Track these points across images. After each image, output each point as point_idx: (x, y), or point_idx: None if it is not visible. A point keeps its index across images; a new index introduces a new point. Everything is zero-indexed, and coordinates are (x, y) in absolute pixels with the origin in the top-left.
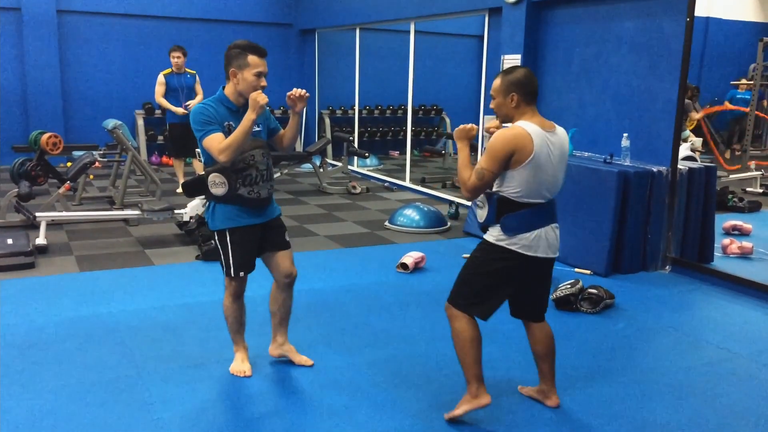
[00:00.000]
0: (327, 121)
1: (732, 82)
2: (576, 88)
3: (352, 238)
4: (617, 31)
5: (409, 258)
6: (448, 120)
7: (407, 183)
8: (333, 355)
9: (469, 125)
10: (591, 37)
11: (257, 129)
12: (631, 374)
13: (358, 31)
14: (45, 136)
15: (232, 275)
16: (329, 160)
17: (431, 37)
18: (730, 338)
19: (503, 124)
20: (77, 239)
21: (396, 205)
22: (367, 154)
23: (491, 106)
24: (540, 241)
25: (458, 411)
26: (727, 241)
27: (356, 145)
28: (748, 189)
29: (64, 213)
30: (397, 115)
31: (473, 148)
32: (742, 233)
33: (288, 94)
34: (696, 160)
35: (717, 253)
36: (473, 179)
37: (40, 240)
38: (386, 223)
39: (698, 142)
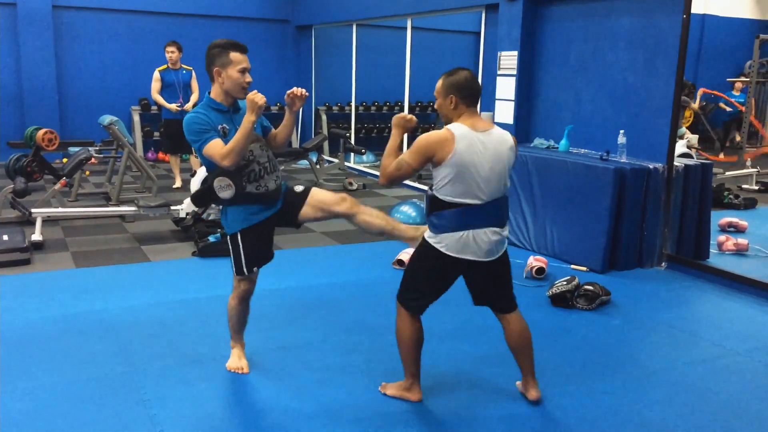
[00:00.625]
0: (324, 117)
1: (729, 79)
2: (573, 84)
3: (349, 235)
4: (614, 27)
5: (406, 254)
6: None
7: None
8: (329, 351)
9: (410, 115)
10: (588, 34)
11: None
12: (627, 371)
13: (354, 27)
14: (41, 132)
15: (245, 273)
16: (326, 157)
17: (428, 34)
18: (725, 335)
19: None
20: (73, 235)
21: (393, 201)
22: (363, 151)
23: (435, 106)
24: (468, 243)
25: (389, 391)
26: (722, 238)
27: (353, 141)
28: (744, 186)
29: (60, 209)
30: (394, 111)
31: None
32: (738, 230)
33: (288, 92)
34: (692, 157)
35: (713, 250)
36: (392, 167)
37: (36, 236)
38: None
39: (694, 139)
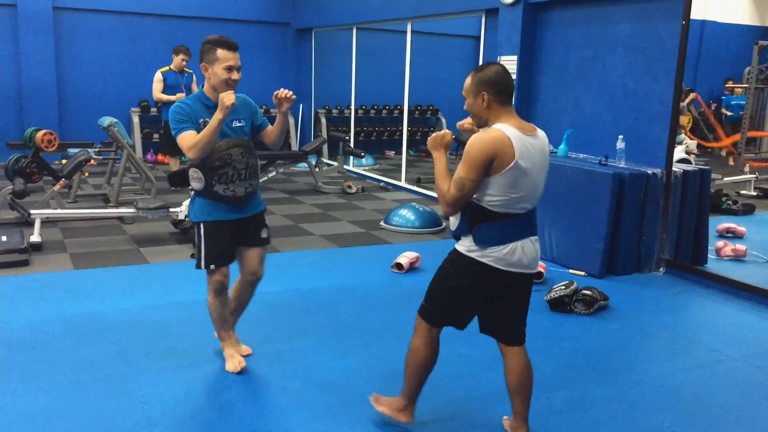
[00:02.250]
0: (323, 120)
1: (727, 85)
2: (572, 89)
3: (348, 238)
4: (613, 33)
5: (404, 258)
6: (444, 120)
7: (403, 183)
8: (327, 354)
9: (443, 132)
10: (587, 39)
11: (239, 125)
12: (625, 375)
13: (354, 31)
14: (40, 133)
15: (203, 267)
16: (325, 160)
17: (428, 38)
18: (723, 340)
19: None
20: (72, 237)
21: (391, 205)
22: (362, 154)
23: (465, 108)
24: (515, 255)
25: (380, 407)
26: (720, 243)
27: (352, 144)
28: (742, 192)
29: (59, 210)
30: (393, 115)
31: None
32: (736, 236)
33: (275, 93)
34: (690, 163)
35: (711, 256)
36: (452, 191)
37: (35, 237)
38: (381, 223)
39: (693, 144)
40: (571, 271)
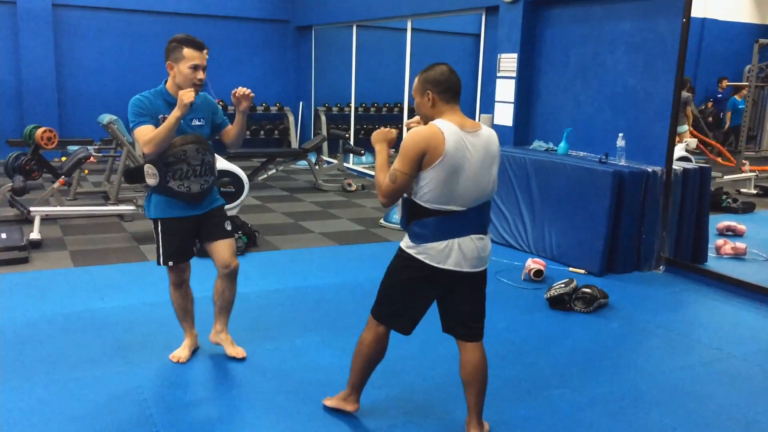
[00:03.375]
0: (323, 118)
1: (729, 83)
2: (572, 87)
3: (347, 236)
4: (614, 31)
5: None
6: None
7: None
8: (326, 352)
9: (388, 129)
10: (588, 37)
11: (198, 123)
12: (624, 374)
13: (354, 29)
14: (40, 131)
15: (161, 264)
16: (325, 158)
17: (428, 35)
18: (722, 339)
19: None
20: (71, 234)
21: None
22: (362, 152)
23: (414, 106)
24: (452, 253)
25: (329, 402)
26: (720, 241)
27: (352, 142)
28: (742, 190)
29: (59, 208)
30: (393, 112)
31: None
32: (736, 234)
33: (233, 92)
34: (691, 161)
35: (711, 254)
36: (386, 182)
37: (34, 235)
38: (381, 220)
39: (693, 142)
40: (570, 269)
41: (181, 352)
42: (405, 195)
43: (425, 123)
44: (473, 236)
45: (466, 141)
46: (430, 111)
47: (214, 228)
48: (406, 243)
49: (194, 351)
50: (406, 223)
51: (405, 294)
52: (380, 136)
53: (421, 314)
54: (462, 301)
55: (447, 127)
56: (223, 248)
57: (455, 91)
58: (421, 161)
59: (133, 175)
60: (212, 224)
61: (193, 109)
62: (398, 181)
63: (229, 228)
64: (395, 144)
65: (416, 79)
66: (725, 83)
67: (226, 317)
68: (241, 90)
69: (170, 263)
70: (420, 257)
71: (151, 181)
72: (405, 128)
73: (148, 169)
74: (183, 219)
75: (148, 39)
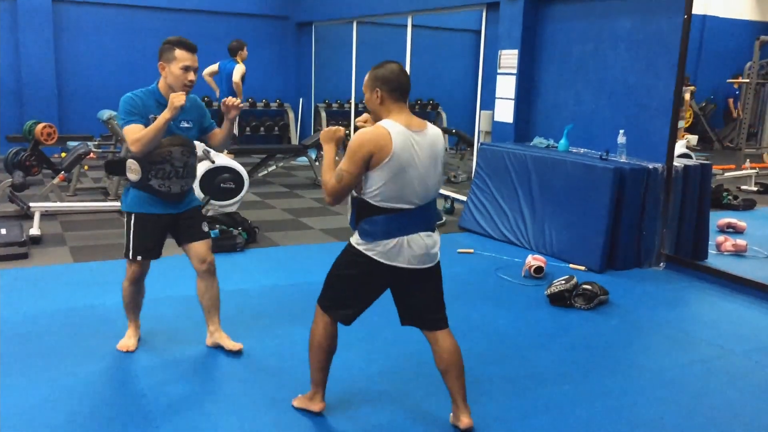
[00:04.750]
0: (323, 114)
1: (729, 80)
2: (573, 84)
3: (347, 232)
4: (615, 27)
5: None
6: (444, 115)
7: None
8: None
9: (335, 127)
10: (588, 34)
11: (186, 126)
12: (625, 370)
13: (355, 25)
14: (39, 126)
15: (130, 258)
16: None
17: (428, 32)
18: (723, 335)
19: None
20: (71, 230)
21: None
22: None
23: (364, 101)
24: (402, 250)
25: (295, 403)
26: (721, 238)
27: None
28: (743, 187)
29: (58, 203)
30: None
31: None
32: (737, 231)
33: (223, 100)
34: (691, 158)
35: (711, 251)
36: (332, 181)
37: (34, 230)
38: None
39: (693, 139)
40: (571, 265)
41: (128, 341)
42: (354, 194)
43: (374, 119)
44: (422, 233)
45: (412, 140)
46: (378, 108)
47: (191, 229)
48: (356, 240)
49: (137, 340)
50: (355, 221)
51: (351, 288)
52: (328, 135)
53: (365, 306)
54: (417, 297)
55: (394, 127)
56: (200, 247)
57: (404, 90)
58: (367, 162)
59: (114, 168)
60: (189, 225)
61: (183, 111)
62: (343, 182)
63: (206, 229)
64: (345, 141)
65: (367, 75)
66: (741, 79)
67: (216, 315)
68: (231, 100)
69: (138, 258)
70: (370, 254)
71: (133, 176)
72: (352, 127)
73: (131, 164)
74: (158, 216)
75: (148, 35)
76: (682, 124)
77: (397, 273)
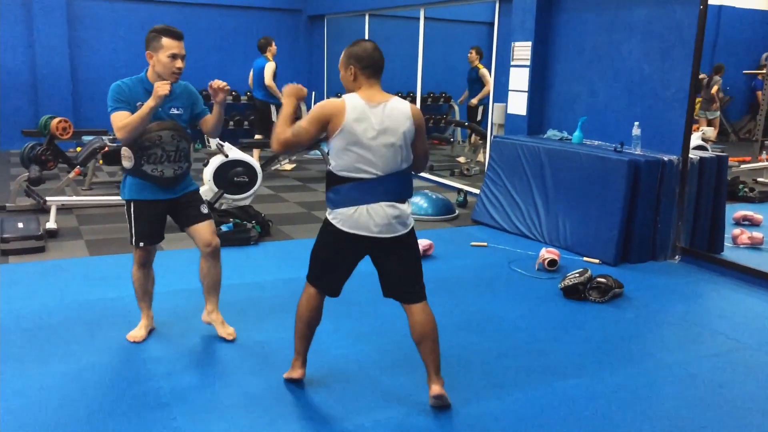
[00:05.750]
0: None
1: (745, 72)
2: (587, 75)
3: None
4: (629, 18)
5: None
6: (456, 107)
7: None
8: (341, 340)
9: (300, 86)
10: (603, 24)
11: (177, 112)
12: (640, 363)
13: (367, 17)
14: (55, 121)
15: (133, 244)
16: None
17: (441, 24)
18: (739, 329)
19: None
20: (87, 224)
21: None
22: None
23: (340, 78)
24: (361, 218)
25: (285, 375)
26: (737, 231)
27: None
28: (759, 179)
29: (74, 197)
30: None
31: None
32: (753, 224)
33: (209, 83)
34: (707, 150)
35: (727, 244)
36: (288, 133)
37: (51, 224)
38: None
39: (710, 131)
40: (585, 258)
41: (138, 332)
42: (328, 168)
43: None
44: (383, 203)
45: (368, 113)
46: (351, 85)
47: (190, 212)
48: (327, 210)
49: (150, 332)
50: (326, 191)
51: (326, 257)
52: (292, 90)
53: (343, 275)
54: (390, 267)
55: (351, 100)
56: (202, 229)
57: (377, 67)
58: (323, 127)
59: (111, 158)
60: (188, 209)
61: (173, 98)
62: (300, 136)
63: (205, 211)
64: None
65: (342, 53)
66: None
67: (215, 297)
68: (217, 82)
69: (141, 244)
70: (334, 222)
71: (127, 163)
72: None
73: (124, 152)
74: (155, 202)
75: None
76: (717, 113)
77: (364, 242)
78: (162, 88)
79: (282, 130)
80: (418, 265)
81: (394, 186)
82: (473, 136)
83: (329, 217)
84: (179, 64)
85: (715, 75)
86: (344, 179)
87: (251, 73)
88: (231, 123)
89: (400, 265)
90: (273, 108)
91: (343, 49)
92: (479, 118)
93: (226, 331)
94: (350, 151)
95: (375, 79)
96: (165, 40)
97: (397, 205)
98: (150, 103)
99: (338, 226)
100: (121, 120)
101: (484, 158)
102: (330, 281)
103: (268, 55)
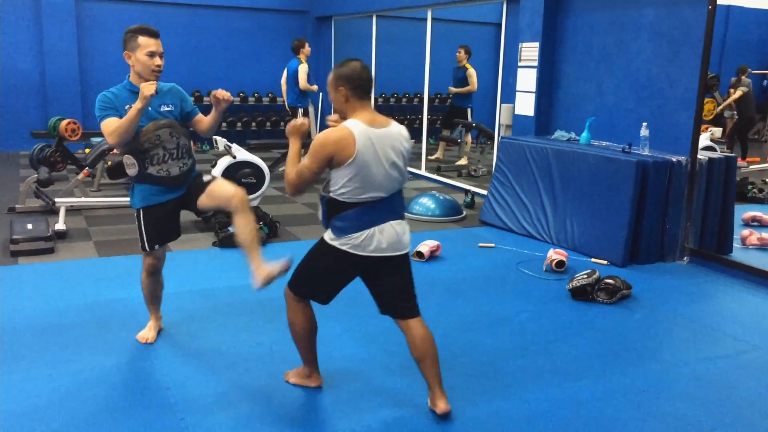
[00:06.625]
0: None
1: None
2: (595, 76)
3: None
4: (638, 18)
5: (425, 246)
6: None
7: (423, 171)
8: (348, 341)
9: (300, 121)
10: (611, 25)
11: (167, 109)
12: (648, 365)
13: (375, 19)
14: (64, 123)
15: (147, 249)
16: None
17: (448, 25)
18: (748, 330)
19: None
20: (96, 225)
21: (412, 193)
22: None
23: (330, 100)
24: (373, 240)
25: (291, 379)
26: (746, 232)
27: None
28: None
29: (83, 199)
30: (413, 103)
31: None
32: (762, 224)
33: (213, 93)
34: (716, 150)
35: (736, 245)
36: (293, 175)
37: (60, 225)
38: None
39: (718, 132)
40: (593, 259)
41: (148, 333)
42: (323, 194)
43: (341, 117)
44: (392, 222)
45: (375, 138)
46: (344, 105)
47: (197, 191)
48: (329, 236)
49: (159, 332)
50: (326, 220)
51: (323, 278)
52: (292, 129)
53: (337, 291)
54: (387, 285)
55: (357, 127)
56: (218, 188)
57: (366, 87)
58: (329, 161)
59: (115, 171)
60: (195, 190)
61: (161, 95)
62: (303, 177)
63: (210, 178)
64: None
65: (330, 75)
66: None
67: (256, 251)
68: (222, 93)
69: (156, 246)
70: (343, 248)
71: (132, 171)
72: (327, 122)
73: (127, 159)
74: (166, 204)
75: (170, 31)
76: (734, 112)
77: (368, 262)
78: (148, 88)
79: (289, 171)
80: (413, 280)
81: (398, 204)
82: (468, 137)
83: (335, 244)
84: (158, 61)
85: (742, 75)
86: (351, 205)
87: (284, 75)
88: (239, 124)
89: (396, 281)
90: (300, 111)
91: (331, 71)
92: (468, 119)
93: (271, 267)
94: (359, 179)
95: (367, 98)
96: (141, 39)
97: (401, 222)
98: (137, 104)
99: (350, 251)
100: (110, 125)
101: (468, 160)
102: (327, 297)
103: (302, 56)
